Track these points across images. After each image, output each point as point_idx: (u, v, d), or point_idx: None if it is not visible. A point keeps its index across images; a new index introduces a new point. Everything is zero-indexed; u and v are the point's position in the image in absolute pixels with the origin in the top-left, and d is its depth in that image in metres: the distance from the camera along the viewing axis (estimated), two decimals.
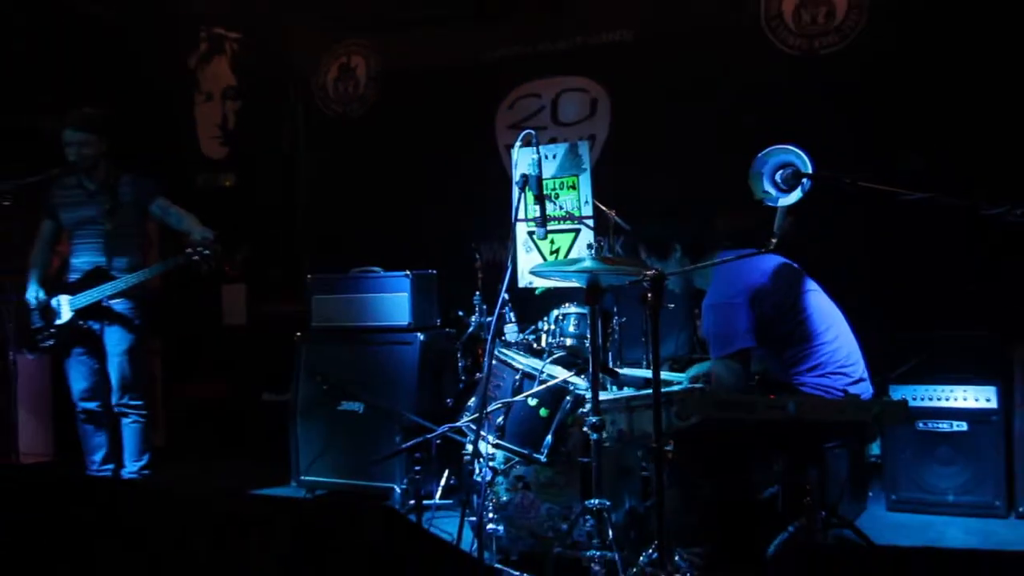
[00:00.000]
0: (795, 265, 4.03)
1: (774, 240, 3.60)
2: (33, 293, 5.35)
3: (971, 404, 5.06)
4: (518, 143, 3.88)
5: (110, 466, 5.45)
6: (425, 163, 7.03)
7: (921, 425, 5.09)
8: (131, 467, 5.41)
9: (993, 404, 5.02)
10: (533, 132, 3.87)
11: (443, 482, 5.37)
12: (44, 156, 5.35)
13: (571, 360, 4.42)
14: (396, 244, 6.50)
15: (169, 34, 8.07)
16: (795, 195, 3.51)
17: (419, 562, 2.91)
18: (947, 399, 5.09)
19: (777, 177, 3.51)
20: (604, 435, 3.72)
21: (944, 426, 5.09)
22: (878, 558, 3.12)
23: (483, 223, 6.47)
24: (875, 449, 5.36)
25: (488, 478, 4.15)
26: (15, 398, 6.40)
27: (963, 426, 5.06)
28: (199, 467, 6.85)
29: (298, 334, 6.06)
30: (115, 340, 5.29)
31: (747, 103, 5.94)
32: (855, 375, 3.80)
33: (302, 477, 5.86)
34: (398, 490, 5.41)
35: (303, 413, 5.92)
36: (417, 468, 4.37)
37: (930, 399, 5.09)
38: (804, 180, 3.47)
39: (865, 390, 3.81)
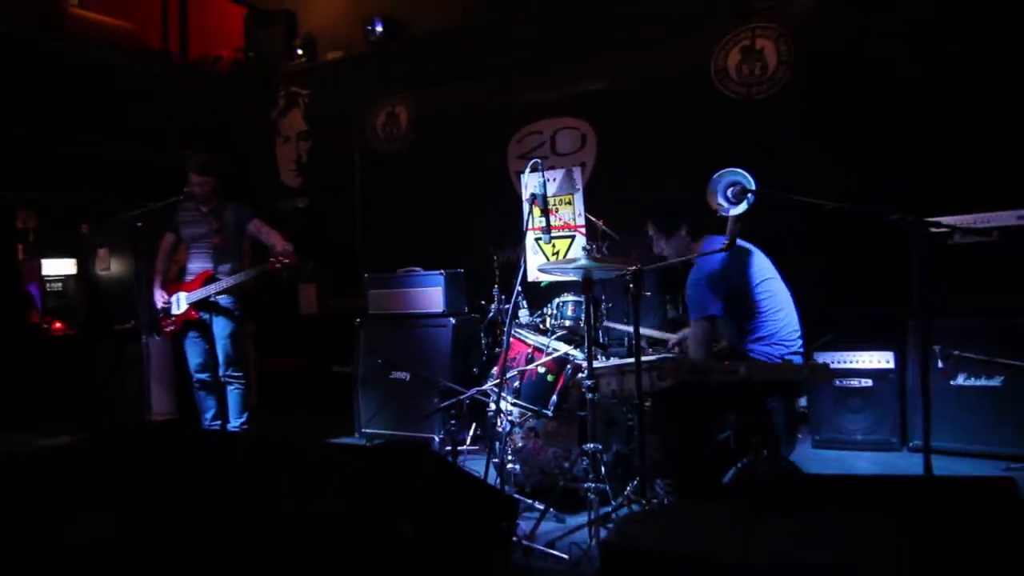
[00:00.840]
0: (764, 256, 3.98)
1: (726, 242, 3.58)
2: (159, 290, 5.46)
3: (875, 365, 5.04)
4: (527, 170, 3.86)
5: (218, 422, 5.50)
6: (453, 186, 7.00)
7: (838, 382, 5.07)
8: (234, 423, 5.45)
9: (891, 365, 5.02)
10: (539, 161, 3.86)
11: (471, 432, 5.39)
12: (170, 186, 5.44)
13: (571, 337, 4.39)
14: (431, 249, 6.45)
15: (259, 94, 8.16)
16: (742, 207, 3.48)
17: (457, 492, 2.90)
18: (857, 361, 5.07)
19: (728, 193, 3.48)
20: (598, 394, 3.71)
21: (855, 382, 5.07)
22: (807, 484, 3.12)
23: (499, 232, 6.40)
24: (803, 402, 5.32)
25: (507, 429, 4.14)
26: (148, 372, 6.46)
27: (869, 382, 5.05)
28: (284, 422, 6.84)
29: (358, 320, 6.06)
30: (221, 326, 5.36)
31: (700, 136, 5.87)
32: (793, 347, 3.76)
33: (363, 429, 5.88)
34: (436, 439, 5.41)
35: (363, 381, 5.93)
36: (452, 422, 4.35)
37: (845, 362, 5.07)
38: (749, 195, 3.44)
39: (799, 358, 3.79)
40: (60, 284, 8.36)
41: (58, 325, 7.76)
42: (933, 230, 3.56)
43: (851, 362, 5.07)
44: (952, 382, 4.76)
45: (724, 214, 3.54)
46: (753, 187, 3.43)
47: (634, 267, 3.41)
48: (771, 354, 3.68)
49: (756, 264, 3.88)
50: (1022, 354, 4.47)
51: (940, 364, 4.68)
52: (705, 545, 2.25)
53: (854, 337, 5.05)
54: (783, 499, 2.52)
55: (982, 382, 4.72)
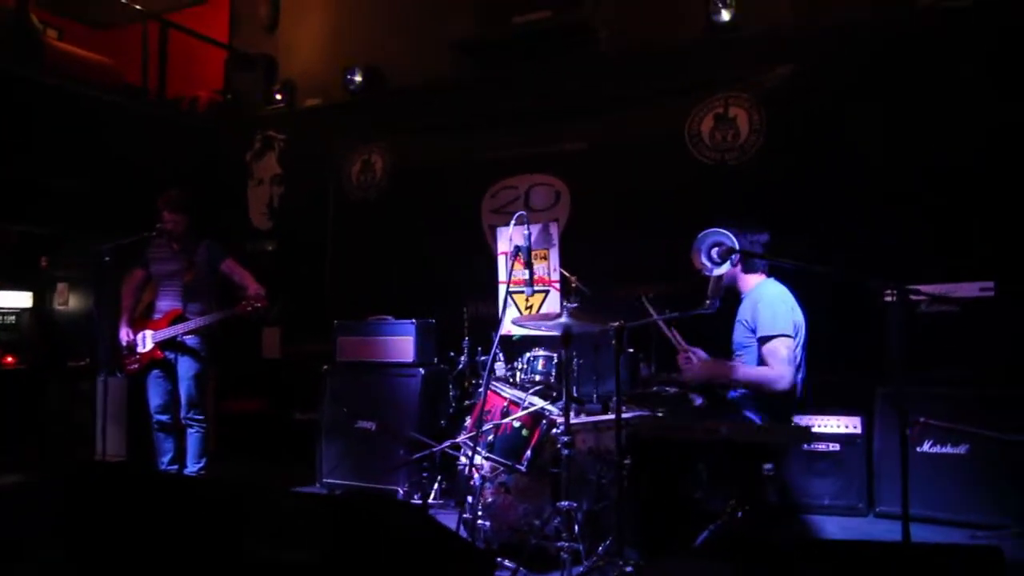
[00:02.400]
0: None
1: (708, 302, 3.55)
2: (124, 327, 5.27)
3: (842, 430, 5.02)
4: (512, 222, 3.79)
5: (175, 467, 5.26)
6: (424, 237, 6.92)
7: (805, 446, 5.01)
8: (192, 467, 5.24)
9: (858, 430, 4.99)
10: (525, 214, 3.79)
11: (437, 486, 5.22)
12: (137, 222, 5.30)
13: (547, 392, 4.30)
14: (400, 299, 6.35)
15: (235, 136, 8.06)
16: (725, 266, 3.47)
17: (434, 546, 2.76)
18: (825, 426, 5.03)
19: (712, 253, 3.46)
20: (573, 450, 3.60)
21: (822, 447, 5.03)
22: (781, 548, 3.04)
23: (470, 284, 6.37)
24: (768, 465, 5.26)
25: (479, 484, 4.01)
26: (101, 411, 6.23)
27: (836, 447, 5.02)
28: (242, 469, 6.58)
29: (325, 367, 5.90)
30: (186, 367, 5.17)
31: (674, 198, 5.91)
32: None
33: (325, 479, 5.67)
34: (401, 491, 5.23)
35: (327, 429, 5.74)
36: (425, 474, 4.20)
37: (812, 425, 5.00)
38: (732, 255, 3.42)
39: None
40: (14, 317, 8.06)
41: (9, 359, 7.45)
42: (913, 297, 3.60)
43: (819, 426, 5.03)
44: (918, 449, 4.74)
45: (708, 274, 3.52)
46: (737, 247, 3.41)
47: (617, 323, 3.35)
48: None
49: (799, 309, 3.86)
50: (986, 423, 4.51)
51: (907, 431, 4.67)
52: None
53: (822, 401, 5.02)
54: (780, 563, 2.44)
55: (948, 450, 4.71)
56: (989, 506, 4.53)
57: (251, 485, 4.98)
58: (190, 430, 5.23)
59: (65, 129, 6.67)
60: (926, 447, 4.74)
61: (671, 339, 4.05)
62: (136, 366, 5.23)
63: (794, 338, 3.74)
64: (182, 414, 5.22)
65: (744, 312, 3.88)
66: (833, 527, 4.77)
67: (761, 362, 3.79)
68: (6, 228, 7.65)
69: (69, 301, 8.05)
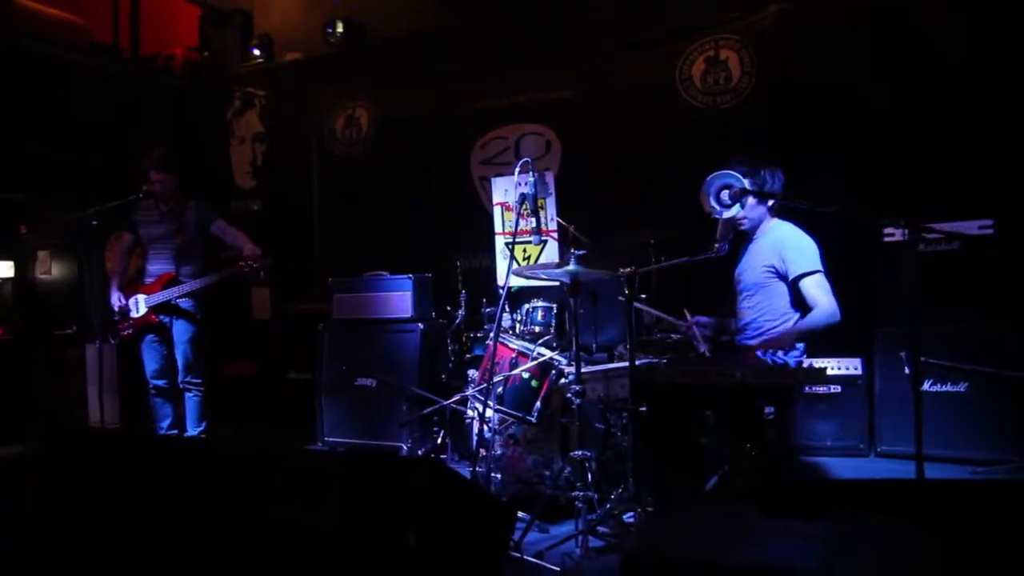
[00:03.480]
0: None
1: (717, 245, 3.49)
2: (116, 292, 5.12)
3: (843, 372, 5.01)
4: (517, 169, 3.68)
5: (174, 431, 5.17)
6: (414, 191, 6.81)
7: (807, 389, 5.01)
8: (192, 431, 5.16)
9: (859, 372, 4.98)
10: (530, 160, 3.68)
11: (440, 440, 5.19)
12: (119, 186, 5.12)
13: (548, 342, 4.24)
14: (391, 254, 6.22)
15: (214, 95, 7.84)
16: (735, 209, 3.41)
17: (458, 500, 2.71)
18: (826, 368, 5.02)
19: (723, 195, 3.39)
20: (583, 399, 3.56)
21: (823, 389, 5.02)
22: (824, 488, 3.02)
23: (461, 237, 6.31)
24: (769, 408, 5.26)
25: (489, 436, 3.96)
26: (90, 379, 6.13)
27: (838, 389, 5.01)
28: (240, 431, 6.50)
29: (320, 325, 5.80)
30: (181, 330, 5.07)
31: (665, 144, 5.82)
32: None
33: (326, 438, 5.61)
34: (405, 447, 5.18)
35: (326, 388, 5.66)
36: (436, 429, 4.15)
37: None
38: (742, 197, 3.35)
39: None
40: None
41: None
42: (927, 235, 3.57)
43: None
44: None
45: (717, 216, 3.45)
46: (748, 188, 3.34)
47: (628, 269, 3.28)
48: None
49: None
50: (986, 360, 4.52)
51: (907, 370, 4.68)
52: (734, 552, 2.12)
53: (823, 343, 5.01)
54: (807, 504, 2.41)
55: (947, 388, 4.72)
56: (989, 442, 4.56)
57: (262, 446, 4.93)
58: (188, 394, 5.14)
59: (35, 91, 6.44)
60: (926, 386, 4.73)
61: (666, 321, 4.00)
62: (130, 331, 5.10)
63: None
64: (180, 378, 5.11)
65: (763, 254, 3.83)
66: (837, 468, 4.78)
67: (800, 299, 3.76)
68: None
69: (52, 269, 7.86)
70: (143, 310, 5.02)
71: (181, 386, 5.12)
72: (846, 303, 4.96)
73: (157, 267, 5.11)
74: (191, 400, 5.14)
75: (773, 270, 3.76)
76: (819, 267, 3.69)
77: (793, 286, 3.74)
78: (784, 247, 3.71)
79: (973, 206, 4.78)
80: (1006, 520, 2.29)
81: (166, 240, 5.11)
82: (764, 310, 3.87)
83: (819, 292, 3.66)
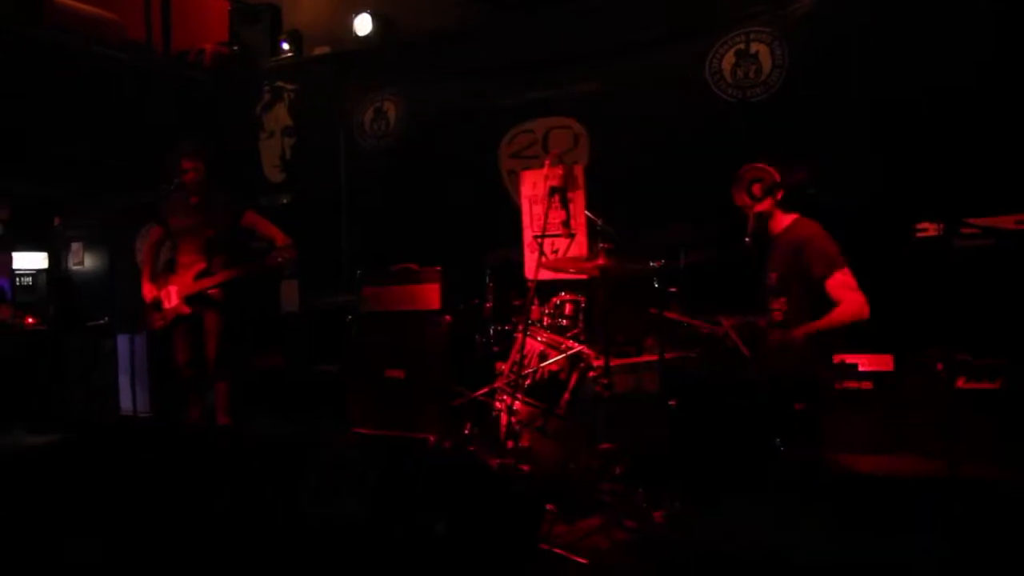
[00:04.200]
0: None
1: (748, 239, 3.47)
2: (148, 284, 5.19)
3: (874, 368, 4.91)
4: (547, 162, 3.68)
5: (204, 422, 5.22)
6: (442, 185, 6.81)
7: (837, 385, 4.94)
8: (222, 422, 5.19)
9: (890, 368, 4.87)
10: (560, 152, 3.68)
11: (467, 432, 5.19)
12: (157, 180, 5.19)
13: (576, 336, 4.24)
14: (419, 248, 6.23)
15: (243, 89, 7.90)
16: (767, 203, 3.37)
17: (488, 493, 2.73)
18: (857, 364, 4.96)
19: (754, 189, 3.36)
20: (612, 392, 3.56)
21: (854, 385, 4.94)
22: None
23: (489, 231, 6.29)
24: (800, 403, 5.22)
25: (517, 429, 3.97)
26: (121, 369, 6.22)
27: (868, 385, 4.91)
28: (267, 421, 6.56)
29: (349, 317, 5.84)
30: (213, 322, 5.11)
31: (695, 138, 5.78)
32: None
33: (354, 430, 5.64)
34: (432, 439, 5.19)
35: (355, 380, 5.68)
36: (463, 422, 4.16)
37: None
38: (774, 191, 3.33)
39: None
40: (31, 278, 8.02)
41: (30, 320, 7.41)
42: (966, 231, 3.53)
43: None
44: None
45: (749, 211, 3.42)
46: (779, 182, 3.31)
47: (658, 263, 3.27)
48: None
49: None
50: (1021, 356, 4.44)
51: (939, 367, 4.63)
52: (765, 544, 2.12)
53: (851, 340, 4.95)
54: (833, 499, 2.40)
55: (982, 385, 4.65)
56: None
57: (293, 437, 4.97)
58: (219, 385, 5.19)
59: (69, 87, 6.54)
60: (960, 383, 4.68)
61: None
62: (162, 323, 5.16)
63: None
64: (210, 369, 5.16)
65: (785, 254, 3.78)
66: (866, 465, 4.73)
67: (823, 300, 3.69)
68: (15, 188, 7.57)
69: (84, 260, 7.98)
70: (175, 302, 5.08)
71: (211, 377, 5.16)
72: (876, 300, 4.96)
73: (188, 259, 5.15)
74: (221, 391, 5.18)
75: (795, 270, 3.72)
76: (841, 265, 3.64)
77: (817, 286, 3.69)
78: (806, 246, 3.67)
79: (1008, 201, 4.69)
80: None
81: (197, 232, 5.15)
82: (790, 309, 3.84)
83: (843, 290, 3.62)
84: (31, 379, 6.72)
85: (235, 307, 5.21)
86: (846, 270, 3.62)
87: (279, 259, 4.97)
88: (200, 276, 5.04)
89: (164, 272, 5.24)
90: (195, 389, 5.25)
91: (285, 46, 7.63)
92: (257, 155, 7.87)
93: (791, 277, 3.73)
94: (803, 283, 3.72)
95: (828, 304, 3.71)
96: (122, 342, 6.58)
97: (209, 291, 5.06)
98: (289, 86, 7.69)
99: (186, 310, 5.07)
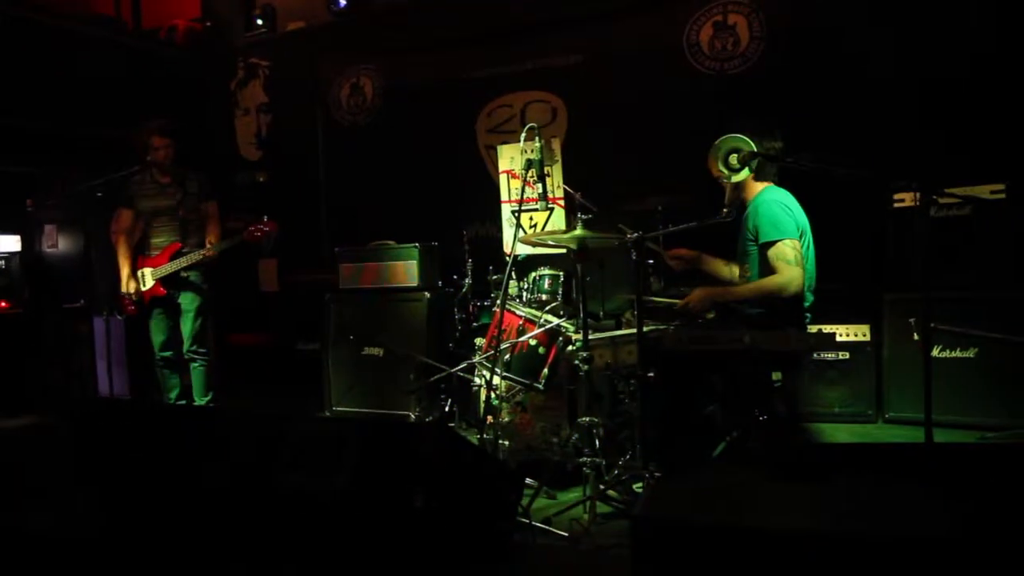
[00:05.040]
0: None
1: (725, 210, 3.45)
2: (122, 267, 5.11)
3: (852, 338, 4.97)
4: (523, 136, 3.63)
5: (182, 402, 5.18)
6: (420, 160, 6.74)
7: (815, 355, 4.98)
8: (199, 401, 5.15)
9: (867, 338, 4.94)
10: (536, 126, 3.63)
11: (447, 408, 5.19)
12: (124, 159, 5.07)
13: (556, 310, 4.21)
14: (398, 224, 6.19)
15: (215, 66, 7.76)
16: (744, 173, 3.35)
17: (467, 466, 2.71)
18: (835, 334, 4.98)
19: (732, 159, 3.33)
20: (592, 366, 3.55)
21: (831, 355, 4.99)
22: (830, 451, 3.02)
23: (467, 206, 6.28)
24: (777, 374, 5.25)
25: (496, 404, 3.95)
26: (98, 352, 6.14)
27: (846, 355, 4.97)
28: (247, 401, 6.52)
29: (327, 295, 5.79)
30: (188, 301, 5.07)
31: (673, 111, 5.76)
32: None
33: (334, 408, 5.62)
34: (412, 416, 5.19)
35: (333, 358, 5.66)
36: (443, 397, 4.14)
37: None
38: (751, 160, 3.30)
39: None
40: (3, 261, 7.87)
41: (3, 304, 7.29)
42: (940, 201, 3.52)
43: None
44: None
45: (725, 181, 3.40)
46: (756, 151, 3.28)
47: (635, 235, 3.25)
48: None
49: (802, 212, 3.74)
50: (995, 326, 4.47)
51: (915, 336, 4.66)
52: (744, 514, 2.11)
53: (831, 310, 4.97)
54: (814, 467, 2.40)
55: (956, 354, 4.69)
56: (998, 408, 4.53)
57: (275, 414, 4.93)
58: (194, 364, 5.14)
59: (39, 64, 6.38)
60: (935, 352, 4.71)
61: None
62: (133, 308, 5.12)
63: (800, 239, 3.63)
64: (186, 348, 5.11)
65: (747, 220, 3.76)
66: (844, 434, 4.77)
67: (767, 268, 3.67)
68: None
69: (58, 243, 7.85)
70: (150, 283, 5.01)
71: (187, 356, 5.12)
72: (854, 269, 5.00)
73: (162, 239, 5.08)
74: (197, 370, 5.14)
75: (752, 238, 3.71)
76: (790, 234, 3.57)
77: (761, 254, 3.68)
78: (758, 211, 3.64)
79: (984, 171, 4.71)
80: (1015, 484, 2.28)
81: (169, 212, 5.07)
82: (750, 276, 3.84)
83: (781, 258, 3.57)
84: (6, 362, 6.63)
85: (210, 286, 5.16)
86: (788, 240, 3.55)
87: (257, 233, 4.90)
88: (174, 256, 4.97)
89: (138, 254, 5.15)
90: (171, 370, 5.19)
91: (259, 21, 7.50)
92: (232, 132, 7.78)
93: (750, 246, 3.71)
94: (758, 251, 3.70)
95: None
96: (98, 324, 6.50)
97: (185, 272, 4.99)
98: (264, 63, 7.59)
99: (161, 292, 5.00)
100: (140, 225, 5.20)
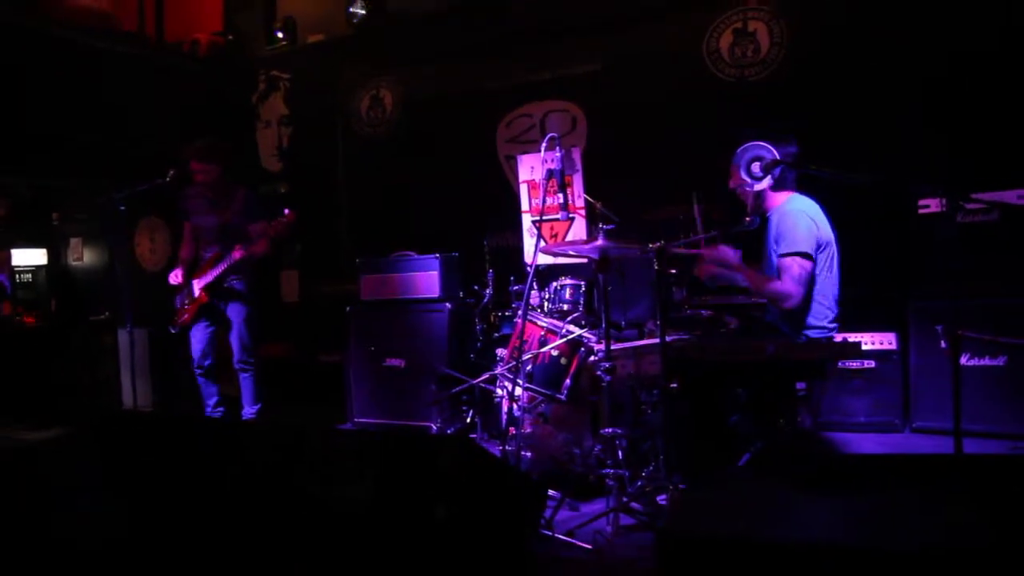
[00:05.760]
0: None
1: (748, 219, 3.43)
2: (177, 280, 5.24)
3: (877, 346, 4.91)
4: (543, 146, 3.63)
5: (221, 409, 5.28)
6: (440, 171, 6.75)
7: (840, 363, 4.93)
8: (249, 410, 5.26)
9: (894, 346, 4.87)
10: (556, 136, 3.63)
11: (468, 419, 5.19)
12: (146, 171, 5.13)
13: (577, 320, 4.21)
14: (418, 235, 6.22)
15: (236, 79, 7.84)
16: (766, 181, 3.34)
17: (489, 478, 2.70)
18: (860, 343, 4.94)
19: (754, 167, 3.32)
20: (614, 377, 3.53)
21: (856, 364, 4.93)
22: (854, 464, 2.98)
23: (488, 216, 6.26)
24: (800, 384, 5.20)
25: (519, 415, 3.95)
26: (124, 364, 6.20)
27: (872, 363, 4.91)
28: (271, 412, 6.54)
29: (349, 307, 5.81)
30: (235, 311, 5.18)
31: (693, 118, 5.73)
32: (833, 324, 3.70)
33: (356, 419, 5.63)
34: (434, 427, 5.18)
35: (355, 369, 5.67)
36: (465, 409, 4.14)
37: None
38: (775, 168, 3.28)
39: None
40: (30, 275, 7.99)
41: (30, 319, 7.40)
42: (970, 206, 3.48)
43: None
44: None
45: (748, 189, 3.38)
46: (779, 159, 3.27)
47: (657, 244, 3.24)
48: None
49: (827, 223, 3.72)
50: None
51: (943, 344, 4.60)
52: (770, 528, 2.09)
53: (857, 317, 4.91)
54: (840, 479, 2.37)
55: (985, 362, 4.62)
56: None
57: (297, 425, 4.95)
58: (243, 375, 5.22)
59: (66, 80, 6.48)
60: (963, 360, 4.64)
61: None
62: (187, 316, 5.20)
63: (815, 258, 3.60)
64: (235, 359, 5.19)
65: (771, 230, 3.75)
66: (870, 444, 4.71)
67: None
68: (15, 183, 7.54)
69: (84, 256, 7.96)
70: (197, 293, 5.14)
71: (237, 367, 5.21)
72: (880, 276, 4.95)
73: (208, 252, 5.21)
74: (246, 380, 5.22)
75: (775, 246, 3.70)
76: (804, 250, 3.55)
77: (777, 259, 3.67)
78: (783, 221, 3.63)
79: (1011, 176, 4.64)
80: None
81: (216, 228, 5.21)
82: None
83: (788, 272, 3.56)
84: (33, 375, 6.72)
85: (256, 296, 5.27)
86: (799, 258, 3.54)
87: (279, 227, 4.95)
88: (215, 263, 5.09)
89: (191, 267, 5.31)
90: (209, 379, 5.28)
91: (279, 34, 7.55)
92: (254, 145, 7.84)
93: (774, 251, 3.69)
94: (771, 258, 3.69)
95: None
96: (123, 336, 6.57)
97: (231, 282, 5.12)
98: (284, 75, 7.65)
99: (205, 299, 5.11)
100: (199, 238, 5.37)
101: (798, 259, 3.54)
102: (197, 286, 5.14)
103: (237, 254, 5.01)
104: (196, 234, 5.33)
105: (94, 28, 6.86)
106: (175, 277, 5.21)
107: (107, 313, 7.14)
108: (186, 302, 5.21)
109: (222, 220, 5.18)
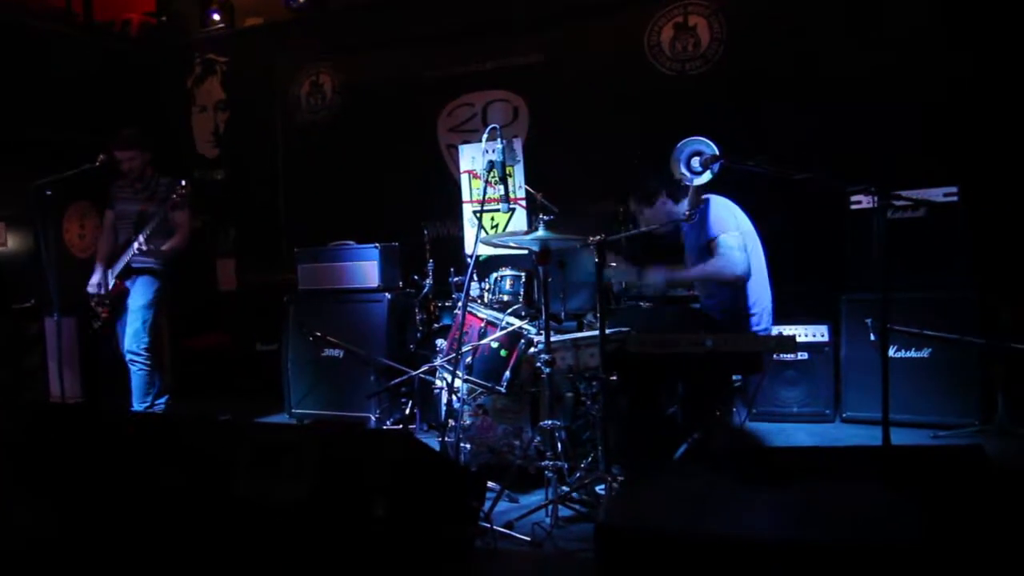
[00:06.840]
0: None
1: (687, 212, 3.46)
2: (97, 274, 5.10)
3: (810, 339, 5.01)
4: (485, 136, 3.60)
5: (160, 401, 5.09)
6: (380, 159, 6.69)
7: (774, 355, 5.02)
8: (137, 407, 5.00)
9: (826, 338, 4.99)
10: (498, 127, 3.59)
11: (407, 411, 5.15)
12: (82, 156, 4.92)
13: (517, 311, 4.19)
14: (358, 223, 6.12)
15: (171, 61, 7.61)
16: (706, 176, 3.37)
17: (428, 472, 2.67)
18: (796, 336, 5.03)
19: (694, 162, 3.34)
20: (553, 369, 3.53)
21: (790, 356, 5.03)
22: (786, 456, 3.03)
23: (428, 206, 6.24)
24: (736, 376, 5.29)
25: (458, 407, 3.91)
26: (49, 353, 5.97)
27: (804, 355, 5.02)
28: (205, 403, 6.40)
29: (286, 296, 5.69)
30: (135, 296, 4.99)
31: (634, 111, 5.77)
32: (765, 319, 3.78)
33: (293, 410, 5.52)
34: (372, 418, 5.12)
35: (293, 359, 5.56)
36: (404, 400, 4.09)
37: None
38: (713, 164, 3.31)
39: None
40: None
41: None
42: (896, 203, 3.56)
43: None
44: None
45: (688, 183, 3.41)
46: (719, 154, 3.30)
47: (599, 236, 3.24)
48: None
49: (747, 219, 3.80)
50: (949, 327, 4.54)
51: (872, 337, 4.72)
52: (706, 520, 2.11)
53: (790, 311, 5.01)
54: (773, 472, 2.41)
55: (911, 354, 4.77)
56: (951, 406, 4.62)
57: (229, 421, 4.81)
58: (132, 367, 4.97)
59: None
60: (891, 352, 4.77)
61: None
62: (106, 312, 5.06)
63: (742, 236, 3.73)
64: (123, 347, 4.98)
65: (693, 227, 3.86)
66: (803, 434, 4.82)
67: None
68: None
69: (7, 241, 7.64)
70: (112, 282, 4.99)
71: (125, 356, 4.98)
72: (813, 271, 5.05)
73: (124, 241, 5.04)
74: (136, 375, 4.97)
75: (704, 237, 3.80)
76: (728, 228, 3.70)
77: (706, 250, 3.77)
78: (705, 215, 3.76)
79: (937, 175, 4.79)
80: (967, 481, 2.32)
81: (135, 215, 5.04)
82: (703, 286, 3.91)
83: (725, 246, 3.69)
84: None
85: (163, 282, 5.07)
86: (734, 233, 3.69)
87: (176, 198, 4.88)
88: (124, 249, 4.95)
89: (111, 257, 5.13)
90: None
91: (216, 17, 7.35)
92: (189, 130, 7.63)
93: (696, 243, 3.77)
94: (702, 249, 3.77)
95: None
96: (49, 325, 6.32)
97: (136, 263, 4.94)
98: (221, 59, 7.45)
99: (121, 286, 4.97)
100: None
101: (732, 233, 3.67)
102: (111, 276, 4.98)
103: (141, 241, 4.87)
104: (117, 223, 5.14)
105: (14, 1, 6.56)
106: (93, 287, 5.06)
107: (32, 301, 6.87)
108: (105, 299, 5.03)
109: (143, 208, 5.02)
